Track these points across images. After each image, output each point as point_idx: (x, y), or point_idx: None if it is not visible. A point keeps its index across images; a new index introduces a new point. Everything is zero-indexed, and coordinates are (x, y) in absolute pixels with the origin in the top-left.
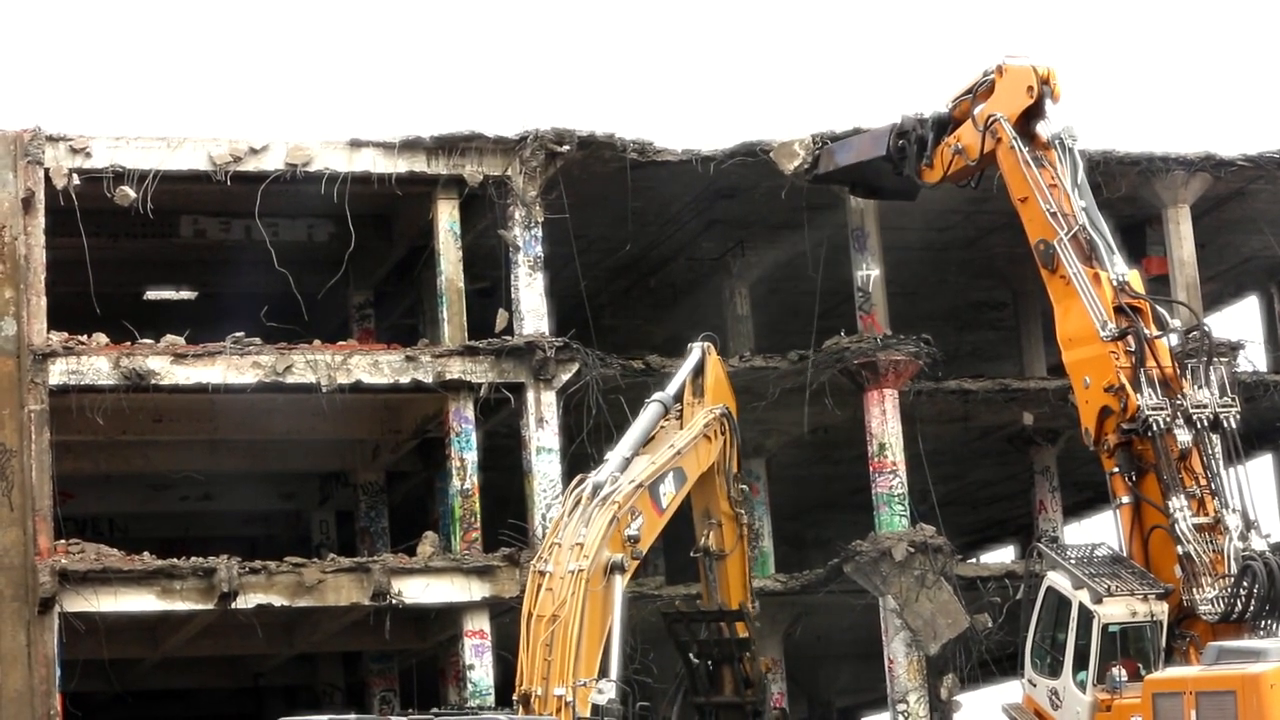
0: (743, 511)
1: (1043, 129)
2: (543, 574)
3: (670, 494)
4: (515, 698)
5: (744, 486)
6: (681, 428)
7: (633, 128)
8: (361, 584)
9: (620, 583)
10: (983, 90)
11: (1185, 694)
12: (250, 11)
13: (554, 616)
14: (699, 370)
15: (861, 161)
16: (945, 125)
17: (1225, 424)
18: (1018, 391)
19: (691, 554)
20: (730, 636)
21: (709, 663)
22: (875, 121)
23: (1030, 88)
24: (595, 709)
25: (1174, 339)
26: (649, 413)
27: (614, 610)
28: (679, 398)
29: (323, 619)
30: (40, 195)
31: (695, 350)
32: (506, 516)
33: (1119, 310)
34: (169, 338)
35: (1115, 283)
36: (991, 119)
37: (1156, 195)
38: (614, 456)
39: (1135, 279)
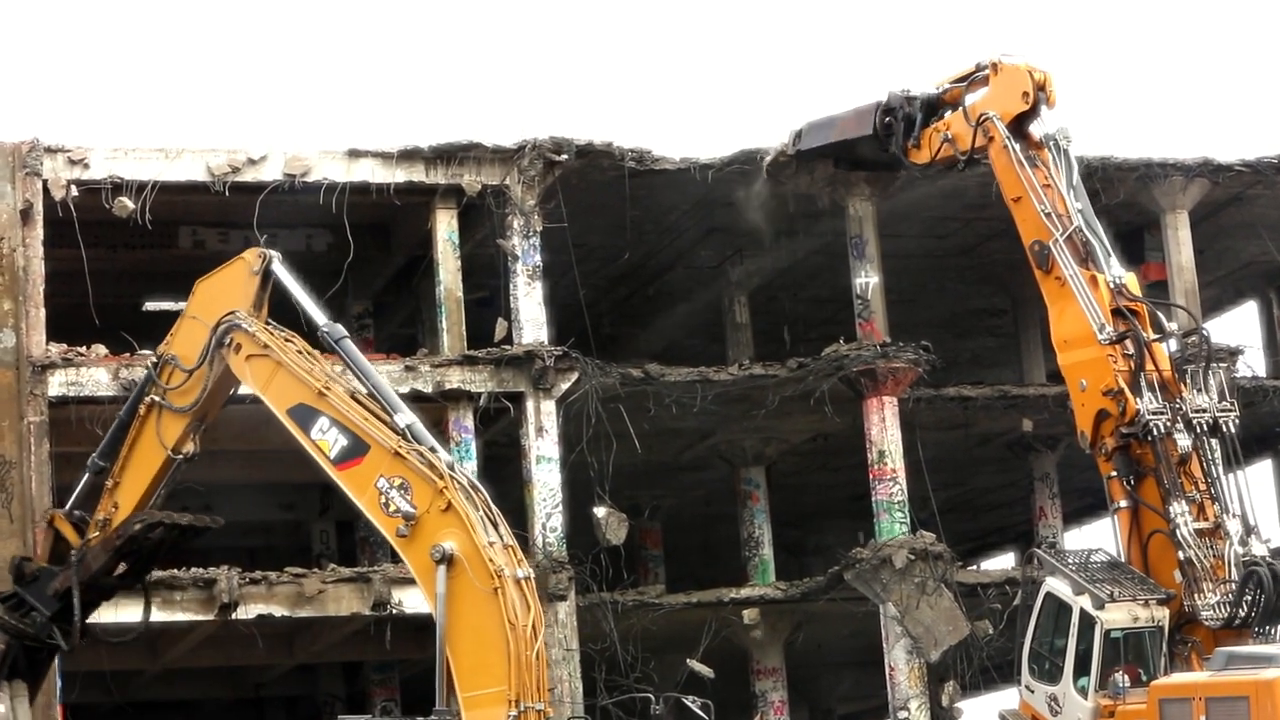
0: None
1: (1036, 128)
2: (503, 577)
3: None
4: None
5: None
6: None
7: (631, 136)
8: (362, 594)
9: None
10: (976, 80)
11: (1195, 700)
12: (248, 22)
13: (532, 628)
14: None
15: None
16: (935, 107)
17: (1224, 429)
18: (1017, 398)
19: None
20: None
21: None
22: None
23: (1026, 94)
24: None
25: (1172, 343)
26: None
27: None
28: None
29: (323, 629)
30: (39, 207)
31: (274, 260)
32: None
33: (1116, 313)
34: None
35: (1112, 285)
36: (983, 117)
37: (1155, 201)
38: (418, 428)
39: (1132, 281)
